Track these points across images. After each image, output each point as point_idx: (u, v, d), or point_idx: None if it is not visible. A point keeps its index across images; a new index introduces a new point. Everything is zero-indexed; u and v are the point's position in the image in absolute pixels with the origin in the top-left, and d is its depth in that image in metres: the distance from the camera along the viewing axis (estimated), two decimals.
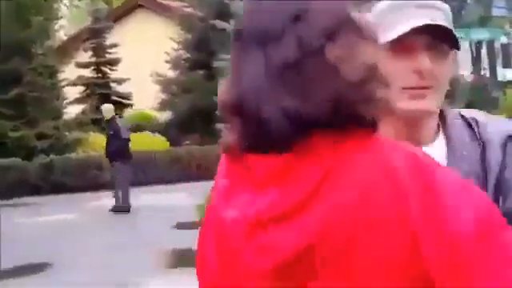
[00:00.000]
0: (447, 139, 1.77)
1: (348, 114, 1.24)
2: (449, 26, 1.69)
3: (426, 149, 1.66)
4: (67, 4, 43.24)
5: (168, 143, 23.87)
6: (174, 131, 24.75)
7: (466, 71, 38.46)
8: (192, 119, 24.08)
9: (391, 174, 1.23)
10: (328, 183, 1.22)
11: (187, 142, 24.10)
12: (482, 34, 35.60)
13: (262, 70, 1.27)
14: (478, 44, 39.71)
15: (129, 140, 16.52)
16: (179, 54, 26.36)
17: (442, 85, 1.70)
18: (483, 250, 1.20)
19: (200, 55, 24.98)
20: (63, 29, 35.14)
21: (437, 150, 1.74)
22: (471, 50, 41.15)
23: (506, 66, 43.27)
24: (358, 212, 1.20)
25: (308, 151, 1.24)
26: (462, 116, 1.80)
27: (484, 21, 40.01)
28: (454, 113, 1.82)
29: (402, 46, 1.67)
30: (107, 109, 16.49)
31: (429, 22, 1.66)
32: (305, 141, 1.24)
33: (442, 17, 1.69)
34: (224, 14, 22.58)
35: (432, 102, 1.70)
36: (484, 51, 41.80)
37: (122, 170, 16.00)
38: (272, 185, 1.25)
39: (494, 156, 1.72)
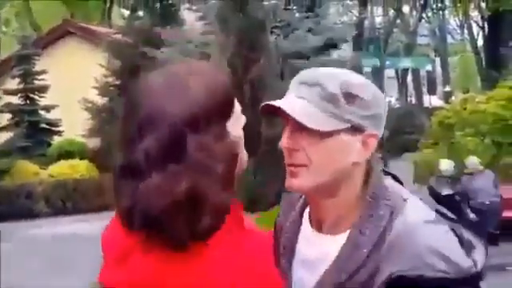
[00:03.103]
0: (349, 235, 1.62)
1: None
2: (306, 106, 1.58)
3: (325, 238, 1.66)
4: None
5: (97, 170, 23.66)
6: (104, 158, 24.54)
7: (392, 98, 39.16)
8: None
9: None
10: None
11: None
12: (407, 63, 36.34)
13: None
14: (404, 71, 40.53)
15: None
16: (108, 81, 26.24)
17: (317, 165, 1.59)
18: None
19: (129, 82, 24.88)
20: None
21: (331, 243, 1.64)
22: (397, 77, 41.96)
23: (431, 92, 44.20)
24: None
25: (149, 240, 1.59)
26: (388, 200, 1.62)
27: (409, 49, 40.90)
28: (376, 196, 1.63)
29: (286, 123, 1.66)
30: None
31: (273, 103, 1.61)
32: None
33: (313, 95, 1.59)
34: (154, 41, 22.62)
35: (304, 181, 1.61)
36: (410, 78, 42.67)
37: None
38: None
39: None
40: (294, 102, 1.60)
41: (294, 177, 1.62)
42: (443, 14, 43.90)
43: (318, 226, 1.69)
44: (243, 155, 1.72)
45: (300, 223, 1.76)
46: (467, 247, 1.54)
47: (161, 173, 1.54)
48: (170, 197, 1.52)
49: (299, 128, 1.59)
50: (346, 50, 26.39)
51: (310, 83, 1.60)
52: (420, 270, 1.48)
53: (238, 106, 1.70)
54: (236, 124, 1.67)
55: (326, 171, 1.60)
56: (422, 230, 1.53)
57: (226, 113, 1.64)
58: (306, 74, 1.64)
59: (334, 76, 1.61)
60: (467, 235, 1.58)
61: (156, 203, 1.53)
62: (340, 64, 17.07)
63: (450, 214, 1.63)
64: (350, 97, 1.58)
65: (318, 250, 1.66)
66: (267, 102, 1.62)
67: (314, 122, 1.56)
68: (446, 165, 13.34)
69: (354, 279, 1.55)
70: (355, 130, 1.60)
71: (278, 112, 1.61)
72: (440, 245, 1.51)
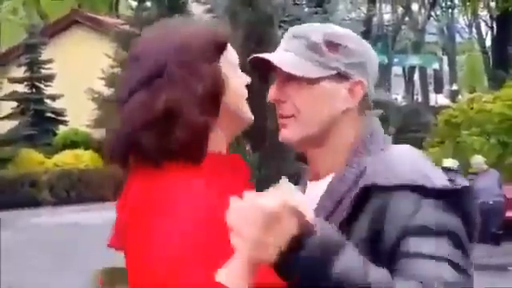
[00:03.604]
0: (337, 170, 1.65)
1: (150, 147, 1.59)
2: (292, 57, 1.64)
3: (314, 184, 1.70)
4: (1, 18, 42.65)
5: (102, 161, 23.70)
6: None
7: (399, 95, 39.12)
8: None
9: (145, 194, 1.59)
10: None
11: None
12: (415, 61, 36.27)
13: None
14: (411, 69, 40.50)
15: None
16: (114, 71, 26.25)
17: (305, 115, 1.64)
18: None
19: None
20: None
21: (319, 187, 1.67)
22: (404, 74, 41.92)
23: (437, 91, 44.15)
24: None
25: (136, 168, 1.63)
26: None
27: (417, 47, 40.83)
28: (364, 147, 1.64)
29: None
30: None
31: (261, 56, 1.66)
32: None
33: (299, 46, 1.64)
34: None
35: (293, 132, 1.65)
36: (417, 76, 42.62)
37: None
38: None
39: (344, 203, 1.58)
40: (281, 54, 1.66)
41: (284, 128, 1.66)
42: (452, 13, 43.79)
43: (316, 179, 1.71)
44: (246, 109, 1.73)
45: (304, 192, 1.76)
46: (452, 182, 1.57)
47: (145, 90, 1.60)
48: (151, 111, 1.58)
49: (286, 79, 1.64)
50: None
51: (296, 36, 1.67)
52: (391, 180, 1.51)
53: (235, 55, 1.73)
54: (229, 68, 1.69)
55: (314, 120, 1.64)
56: (404, 157, 1.59)
57: (216, 47, 1.67)
58: (294, 29, 1.71)
59: (318, 28, 1.69)
60: (460, 180, 1.60)
61: (139, 118, 1.58)
62: None
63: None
64: (332, 45, 1.64)
65: (312, 198, 1.65)
66: (255, 55, 1.67)
67: (299, 69, 1.62)
68: (449, 164, 13.31)
69: (339, 208, 1.58)
70: (341, 77, 1.65)
71: (266, 66, 1.66)
72: (418, 166, 1.56)
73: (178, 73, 1.60)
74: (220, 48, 1.68)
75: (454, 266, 1.43)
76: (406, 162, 1.56)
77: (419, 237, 1.46)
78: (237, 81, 1.70)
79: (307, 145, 1.68)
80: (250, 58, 1.68)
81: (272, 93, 1.66)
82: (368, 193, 1.53)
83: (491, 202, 12.43)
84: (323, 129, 1.65)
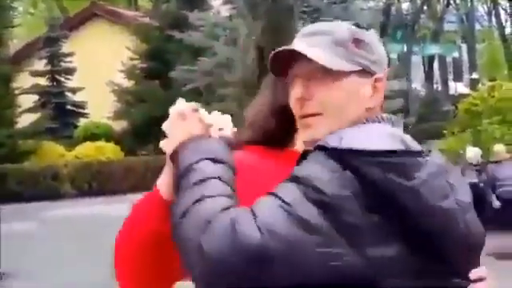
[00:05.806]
0: None
1: None
2: (321, 51, 1.60)
3: None
4: (21, 11, 42.83)
5: (123, 153, 23.79)
6: (129, 141, 24.69)
7: (418, 84, 38.94)
8: (147, 129, 24.04)
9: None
10: None
11: (143, 152, 24.04)
12: (434, 49, 36.01)
13: None
14: (431, 58, 40.26)
15: None
16: (134, 64, 26.33)
17: (332, 111, 1.60)
18: None
19: (155, 65, 24.99)
20: (18, 37, 34.79)
21: None
22: (423, 63, 41.71)
23: (457, 79, 43.87)
24: None
25: None
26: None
27: (436, 35, 40.62)
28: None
29: (291, 76, 1.67)
30: None
31: (282, 48, 1.64)
32: None
33: (326, 42, 1.62)
34: (180, 24, 22.63)
35: (319, 131, 1.60)
36: (436, 65, 42.38)
37: None
38: None
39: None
40: (308, 49, 1.62)
41: (309, 128, 1.63)
42: (471, 1, 43.50)
43: None
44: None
45: None
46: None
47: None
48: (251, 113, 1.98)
49: (311, 78, 1.62)
50: None
51: (317, 33, 1.65)
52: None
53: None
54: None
55: (342, 116, 1.60)
56: (361, 127, 1.57)
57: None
58: (314, 26, 1.70)
59: (341, 24, 1.68)
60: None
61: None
62: None
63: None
64: (357, 42, 1.63)
65: None
66: (284, 48, 1.65)
67: (334, 63, 1.60)
68: (472, 153, 13.25)
69: None
70: (365, 73, 1.63)
71: (288, 65, 1.66)
72: (353, 131, 1.53)
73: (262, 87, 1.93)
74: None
75: (289, 212, 1.40)
76: (352, 129, 1.53)
77: (285, 182, 1.47)
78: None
79: None
80: (279, 50, 1.65)
81: (298, 92, 1.63)
82: None
83: None
84: (351, 126, 1.58)
